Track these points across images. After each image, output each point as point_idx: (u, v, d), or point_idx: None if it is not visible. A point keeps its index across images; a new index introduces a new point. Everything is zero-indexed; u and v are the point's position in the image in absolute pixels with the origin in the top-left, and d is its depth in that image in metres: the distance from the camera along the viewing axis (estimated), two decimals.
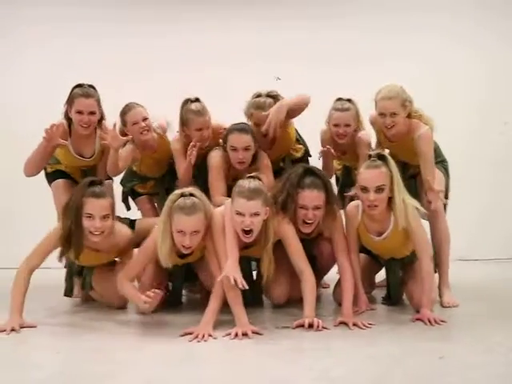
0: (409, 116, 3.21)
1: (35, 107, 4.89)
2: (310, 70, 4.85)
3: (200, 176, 3.41)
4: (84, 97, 3.27)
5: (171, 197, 2.81)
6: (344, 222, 3.07)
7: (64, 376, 2.20)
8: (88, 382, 2.14)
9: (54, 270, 3.25)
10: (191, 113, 3.34)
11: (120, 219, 3.12)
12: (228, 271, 2.71)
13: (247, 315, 2.73)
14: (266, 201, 2.80)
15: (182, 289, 3.36)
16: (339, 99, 3.45)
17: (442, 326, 2.76)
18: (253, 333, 2.63)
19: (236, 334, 2.61)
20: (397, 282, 3.18)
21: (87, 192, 2.86)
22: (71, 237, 2.88)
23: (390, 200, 2.89)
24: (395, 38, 5.02)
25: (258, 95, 3.37)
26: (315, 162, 3.50)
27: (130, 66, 4.95)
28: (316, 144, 3.57)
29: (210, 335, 2.61)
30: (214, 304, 2.75)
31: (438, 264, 3.27)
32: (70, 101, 3.30)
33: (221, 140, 3.33)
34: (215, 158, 3.29)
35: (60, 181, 3.53)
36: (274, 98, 3.34)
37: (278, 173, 3.33)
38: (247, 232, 2.77)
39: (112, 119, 3.40)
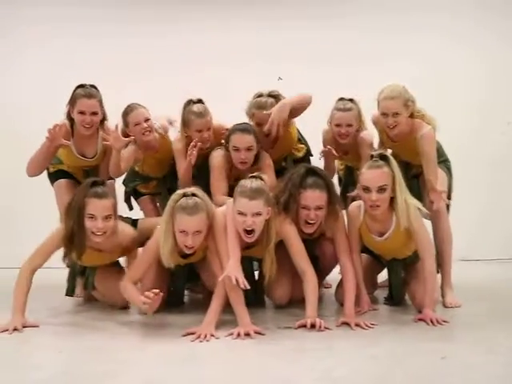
0: (411, 116, 3.20)
1: (36, 107, 4.91)
2: (310, 70, 4.84)
3: (201, 176, 3.41)
4: (86, 97, 3.27)
5: (173, 197, 2.81)
6: (346, 222, 3.06)
7: (66, 376, 2.20)
8: (90, 381, 2.14)
9: (56, 270, 3.25)
10: (192, 114, 3.34)
11: (122, 219, 3.12)
12: (230, 271, 2.71)
13: (249, 315, 2.73)
14: (268, 201, 2.80)
15: (184, 289, 3.36)
16: (341, 99, 3.45)
17: (445, 327, 2.76)
18: (255, 333, 2.63)
19: (238, 334, 2.61)
20: (399, 282, 3.18)
21: (89, 192, 2.86)
22: (73, 237, 2.88)
23: (392, 200, 2.89)
24: (395, 38, 5.01)
25: (260, 95, 3.37)
26: (316, 161, 3.50)
27: (130, 66, 4.95)
28: (318, 144, 3.57)
29: (212, 335, 2.61)
30: (216, 304, 2.75)
31: (441, 264, 3.26)
32: (73, 101, 3.30)
33: (223, 140, 3.33)
34: (217, 157, 3.29)
35: (62, 181, 3.53)
36: (276, 97, 3.34)
37: (279, 172, 3.33)
38: (249, 232, 2.77)
39: (112, 119, 3.41)
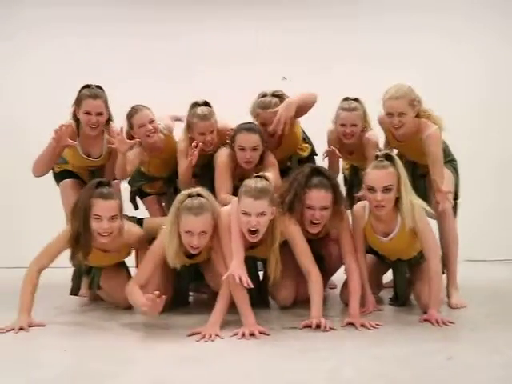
0: (417, 116, 3.18)
1: (36, 107, 4.95)
2: (310, 71, 4.83)
3: (204, 175, 3.42)
4: (92, 98, 3.28)
5: (179, 197, 2.81)
6: (351, 223, 3.06)
7: (71, 375, 2.22)
8: (95, 380, 2.15)
9: (62, 270, 3.26)
10: (196, 116, 3.35)
11: (127, 218, 3.12)
12: (233, 270, 2.71)
13: (254, 315, 2.73)
14: (273, 201, 2.80)
15: (188, 289, 3.36)
16: (346, 99, 3.44)
17: (450, 327, 2.75)
18: (260, 333, 2.63)
19: (243, 334, 2.61)
20: (404, 282, 3.17)
21: (95, 193, 2.86)
22: (79, 238, 2.89)
23: (397, 200, 2.88)
24: (395, 38, 5.00)
25: (264, 95, 3.36)
26: (320, 161, 3.50)
27: (130, 66, 4.98)
28: (322, 144, 3.57)
29: (217, 335, 2.62)
30: (221, 304, 2.75)
31: (446, 265, 3.25)
32: (78, 102, 3.32)
33: (228, 140, 3.33)
34: (222, 156, 3.29)
35: (68, 181, 3.55)
36: (280, 97, 3.33)
37: (284, 172, 3.33)
38: (253, 232, 2.77)
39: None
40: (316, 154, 3.63)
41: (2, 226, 4.97)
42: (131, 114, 3.43)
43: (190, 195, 2.79)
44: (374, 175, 2.85)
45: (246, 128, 3.23)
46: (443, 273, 3.14)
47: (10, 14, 5.14)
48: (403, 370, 2.20)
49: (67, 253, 2.95)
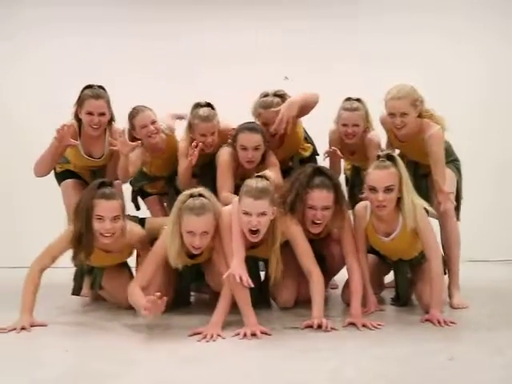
0: (420, 116, 3.18)
1: (37, 107, 4.95)
2: (311, 71, 4.83)
3: (205, 175, 3.42)
4: (94, 98, 3.28)
5: (180, 197, 2.81)
6: (353, 223, 3.06)
7: (73, 375, 2.22)
8: (96, 381, 2.15)
9: (64, 270, 3.25)
10: (197, 118, 3.35)
11: (129, 218, 3.12)
12: (234, 269, 2.71)
13: (255, 315, 2.73)
14: (274, 201, 2.80)
15: (190, 289, 3.36)
16: (348, 99, 3.44)
17: (451, 328, 2.75)
18: (261, 333, 2.63)
19: (244, 334, 2.61)
20: (405, 283, 3.17)
21: (97, 194, 2.86)
22: (82, 238, 2.88)
23: (399, 200, 2.88)
24: (395, 38, 5.01)
25: (266, 95, 3.36)
26: (322, 161, 3.50)
27: (130, 66, 4.97)
28: (323, 144, 3.57)
29: (218, 335, 2.62)
30: (222, 304, 2.75)
31: (448, 265, 3.24)
32: (80, 102, 3.31)
33: (229, 140, 3.33)
34: (224, 155, 3.29)
35: (69, 181, 3.55)
36: (282, 97, 3.33)
37: (286, 172, 3.33)
38: (254, 232, 2.77)
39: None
40: (317, 154, 3.63)
41: (3, 226, 4.97)
42: (133, 115, 3.43)
43: (191, 195, 2.79)
44: (376, 175, 2.85)
45: (248, 128, 3.23)
46: (445, 273, 3.15)
47: (10, 14, 5.14)
48: (405, 370, 2.21)
49: (69, 253, 2.95)
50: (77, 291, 3.32)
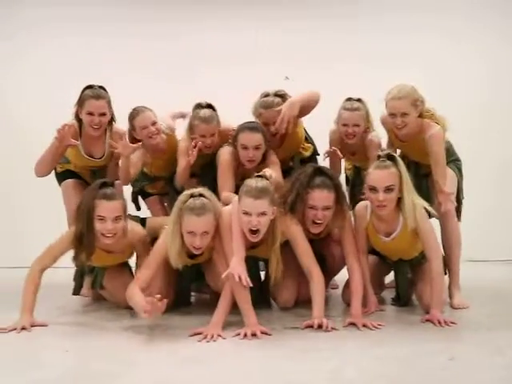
0: (421, 115, 3.18)
1: (37, 107, 4.95)
2: (311, 71, 4.81)
3: (206, 176, 3.42)
4: (94, 98, 3.28)
5: (181, 197, 2.81)
6: (353, 223, 3.06)
7: (73, 375, 2.21)
8: (96, 381, 2.15)
9: (64, 270, 3.26)
10: (197, 119, 3.35)
11: (130, 217, 3.12)
12: (233, 268, 2.71)
13: (255, 315, 2.73)
14: (273, 200, 2.79)
15: (190, 289, 3.36)
16: (349, 99, 3.44)
17: (452, 328, 2.74)
18: (261, 333, 2.63)
19: (245, 335, 2.61)
20: (405, 283, 3.17)
21: (98, 194, 2.85)
22: (83, 239, 2.88)
23: (399, 200, 2.88)
24: (395, 38, 5.01)
25: (266, 94, 3.36)
26: (322, 161, 3.50)
27: (129, 66, 4.97)
28: (323, 144, 3.56)
29: (219, 335, 2.61)
30: (223, 304, 2.75)
31: (449, 265, 3.24)
32: (81, 102, 3.31)
33: (230, 140, 3.33)
34: (225, 154, 3.29)
35: (70, 181, 3.55)
36: (282, 97, 3.33)
37: (287, 172, 3.33)
38: (254, 232, 2.76)
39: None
40: (318, 154, 3.63)
41: (4, 226, 4.97)
42: (133, 116, 3.42)
43: (192, 195, 2.78)
44: (376, 175, 2.85)
45: (248, 127, 3.23)
46: (445, 273, 3.14)
47: (10, 14, 5.14)
48: (405, 370, 2.21)
49: (70, 253, 2.95)
50: (77, 291, 3.33)
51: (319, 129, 3.55)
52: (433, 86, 4.57)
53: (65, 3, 5.07)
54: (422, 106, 3.17)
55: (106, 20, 5.09)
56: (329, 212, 2.91)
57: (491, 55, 5.04)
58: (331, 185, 2.91)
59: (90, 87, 3.32)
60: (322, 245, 3.16)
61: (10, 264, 4.42)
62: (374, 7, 5.15)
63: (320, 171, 2.96)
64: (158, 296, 2.54)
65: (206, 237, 2.77)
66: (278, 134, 3.31)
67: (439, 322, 2.76)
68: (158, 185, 3.73)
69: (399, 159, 2.91)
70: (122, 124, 3.48)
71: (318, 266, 2.89)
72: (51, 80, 4.96)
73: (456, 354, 2.35)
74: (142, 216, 3.34)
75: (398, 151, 3.39)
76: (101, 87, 3.34)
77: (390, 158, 2.89)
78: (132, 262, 3.29)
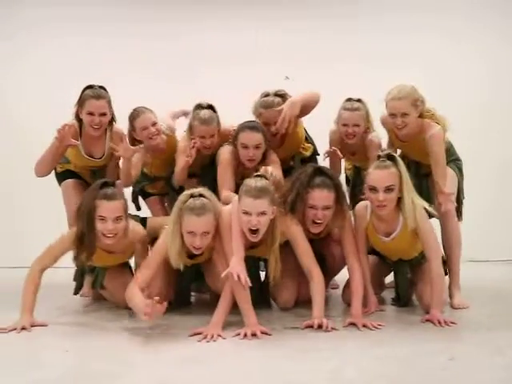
0: (421, 115, 3.17)
1: (37, 107, 4.95)
2: (311, 71, 4.81)
3: (206, 176, 3.42)
4: (95, 98, 3.28)
5: (181, 197, 2.81)
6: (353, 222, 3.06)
7: (73, 375, 2.21)
8: (96, 381, 2.14)
9: (64, 270, 3.26)
10: (197, 120, 3.36)
11: (131, 217, 3.11)
12: (232, 267, 2.71)
13: (256, 315, 2.72)
14: (273, 200, 2.79)
15: (190, 289, 3.36)
16: (349, 99, 3.44)
17: (452, 328, 2.74)
18: (261, 333, 2.63)
19: (245, 335, 2.61)
20: (405, 283, 3.17)
21: (99, 194, 2.85)
22: (84, 239, 2.88)
23: (399, 200, 2.88)
24: (395, 38, 5.01)
25: (267, 94, 3.36)
26: (322, 161, 3.50)
27: (130, 66, 4.97)
28: (323, 144, 3.56)
29: (219, 335, 2.61)
30: (223, 304, 2.75)
31: (449, 265, 3.24)
32: (81, 102, 3.31)
33: (230, 140, 3.33)
34: (225, 153, 3.29)
35: (70, 181, 3.55)
36: (283, 96, 3.33)
37: (287, 172, 3.33)
38: (254, 231, 2.76)
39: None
40: (318, 154, 3.63)
41: (4, 226, 4.97)
42: (133, 117, 3.43)
43: (192, 195, 2.78)
44: (376, 175, 2.85)
45: (248, 126, 3.23)
46: (446, 273, 3.14)
47: (10, 14, 5.14)
48: (405, 370, 2.21)
49: (70, 253, 2.94)
50: (78, 291, 3.33)
51: (319, 129, 3.55)
52: (433, 86, 4.56)
53: (65, 3, 5.08)
54: (423, 106, 3.17)
55: (106, 20, 5.09)
56: (329, 212, 2.91)
57: (491, 55, 5.04)
58: (331, 184, 2.91)
59: (90, 87, 3.32)
60: (322, 245, 3.16)
61: (10, 264, 4.42)
62: (374, 7, 5.15)
63: (320, 171, 2.96)
64: (158, 298, 2.53)
65: (206, 237, 2.77)
66: (278, 133, 3.31)
67: (439, 322, 2.76)
68: (158, 185, 3.73)
69: (399, 159, 2.91)
70: (121, 124, 3.48)
71: (318, 266, 2.89)
72: (51, 80, 4.97)
73: (456, 354, 2.35)
74: (142, 216, 3.33)
75: (399, 151, 3.39)
76: (101, 87, 3.33)
77: (390, 157, 2.89)
78: (133, 262, 3.29)
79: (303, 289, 3.02)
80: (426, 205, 2.92)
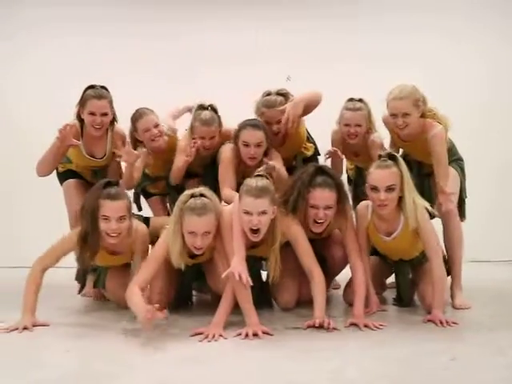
0: (423, 115, 3.17)
1: (37, 107, 4.95)
2: (311, 71, 4.80)
3: (208, 175, 3.41)
4: (96, 98, 3.27)
5: (181, 197, 2.80)
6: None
7: (74, 375, 2.21)
8: (97, 381, 2.14)
9: (66, 270, 3.26)
10: (198, 120, 3.36)
11: (134, 216, 3.10)
12: (234, 267, 2.70)
13: (257, 315, 2.72)
14: (274, 200, 2.79)
15: (191, 289, 3.35)
16: (351, 99, 3.43)
17: (454, 328, 2.74)
18: (263, 333, 2.62)
19: (246, 335, 2.60)
20: (406, 283, 3.17)
21: (103, 194, 2.84)
22: (87, 238, 2.87)
23: (400, 200, 2.88)
24: (395, 38, 5.01)
25: (268, 93, 3.35)
26: (323, 161, 3.49)
27: (130, 66, 4.97)
28: (326, 144, 3.56)
29: (220, 335, 2.61)
30: (224, 304, 2.74)
31: (451, 266, 3.24)
32: (83, 102, 3.31)
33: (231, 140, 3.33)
34: (226, 151, 3.29)
35: (71, 181, 3.54)
36: (284, 96, 3.33)
37: (289, 171, 3.31)
38: (255, 231, 2.76)
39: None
40: (319, 154, 3.63)
41: (4, 226, 4.97)
42: (136, 118, 3.43)
43: (193, 195, 2.78)
44: (377, 175, 2.84)
45: (250, 124, 3.23)
46: (448, 274, 3.13)
47: (10, 14, 5.14)
48: (406, 370, 2.20)
49: (72, 253, 2.94)
50: (82, 290, 3.32)
51: (320, 129, 3.55)
52: (433, 86, 4.53)
53: (65, 3, 5.08)
54: (424, 106, 3.16)
55: (106, 20, 5.09)
56: (330, 211, 2.91)
57: (491, 55, 5.04)
58: (333, 184, 2.90)
59: (92, 87, 3.32)
60: (322, 246, 3.16)
61: (11, 264, 4.42)
62: (374, 7, 5.15)
63: (322, 170, 2.95)
64: (157, 305, 2.54)
65: (207, 237, 2.76)
66: (280, 133, 3.31)
67: (441, 323, 2.75)
68: (160, 185, 3.73)
69: (400, 159, 2.91)
70: (122, 124, 3.48)
71: (319, 266, 2.89)
72: (51, 80, 4.96)
73: (458, 355, 2.34)
74: (145, 216, 3.33)
75: (401, 151, 3.38)
76: (103, 87, 3.33)
77: (391, 157, 2.89)
78: None
79: (304, 289, 3.02)
80: (427, 204, 2.92)
